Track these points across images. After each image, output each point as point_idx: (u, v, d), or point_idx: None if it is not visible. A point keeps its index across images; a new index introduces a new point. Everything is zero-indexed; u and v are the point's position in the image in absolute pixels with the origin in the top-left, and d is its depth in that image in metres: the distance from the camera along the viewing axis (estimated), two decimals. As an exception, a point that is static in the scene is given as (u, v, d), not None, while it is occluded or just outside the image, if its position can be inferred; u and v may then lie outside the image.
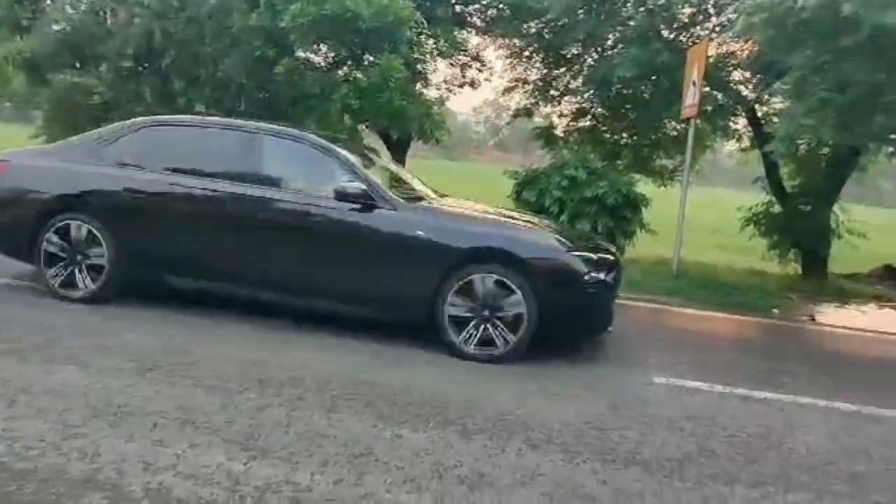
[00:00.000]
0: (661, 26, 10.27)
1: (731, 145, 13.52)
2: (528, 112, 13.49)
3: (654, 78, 10.79)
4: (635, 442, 3.66)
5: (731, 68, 10.42)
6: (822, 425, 4.25)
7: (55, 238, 5.26)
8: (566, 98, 13.12)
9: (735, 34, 8.08)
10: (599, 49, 11.46)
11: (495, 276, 4.80)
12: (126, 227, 5.23)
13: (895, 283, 10.82)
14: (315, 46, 10.66)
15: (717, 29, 10.21)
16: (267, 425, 3.35)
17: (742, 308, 8.12)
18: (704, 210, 18.85)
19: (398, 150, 12.62)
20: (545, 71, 12.75)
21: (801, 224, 10.48)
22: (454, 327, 4.85)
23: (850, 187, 11.59)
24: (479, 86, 13.24)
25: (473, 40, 13.00)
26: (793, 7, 6.21)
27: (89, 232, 5.24)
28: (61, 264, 5.27)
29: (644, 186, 11.83)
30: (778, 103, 10.29)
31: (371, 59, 10.20)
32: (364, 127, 10.86)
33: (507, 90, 13.43)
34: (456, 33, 11.86)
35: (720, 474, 3.35)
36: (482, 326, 4.83)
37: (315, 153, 5.30)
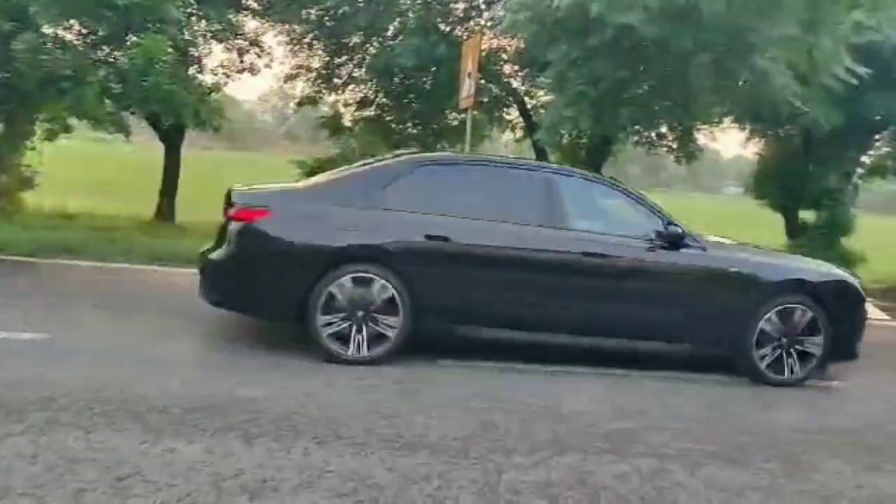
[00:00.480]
0: (438, 19, 10.62)
1: (507, 135, 14.43)
2: (312, 100, 13.26)
3: (434, 69, 11.15)
4: (423, 426, 3.73)
5: (502, 62, 11.09)
6: (593, 391, 4.69)
7: (337, 294, 4.60)
8: (350, 87, 13.11)
9: (502, 30, 8.58)
10: (381, 39, 11.57)
11: (800, 304, 5.21)
12: (423, 278, 4.71)
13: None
14: (66, 22, 9.46)
15: (489, 24, 10.79)
16: (7, 457, 2.89)
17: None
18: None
19: (172, 139, 11.70)
20: (328, 59, 12.60)
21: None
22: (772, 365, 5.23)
23: (609, 173, 12.94)
24: (259, 72, 12.72)
25: (251, 24, 12.44)
26: (550, 6, 6.73)
27: (381, 286, 4.64)
28: (342, 323, 4.61)
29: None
30: (543, 95, 11.17)
31: (134, 38, 9.29)
32: (129, 113, 9.89)
33: (290, 77, 13.08)
34: (231, 16, 11.25)
35: (501, 447, 3.54)
36: (784, 352, 5.21)
37: (613, 193, 5.37)
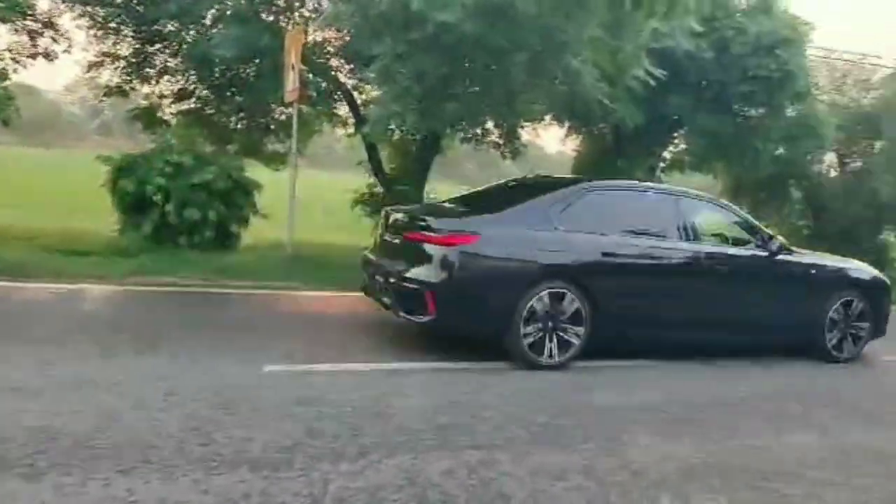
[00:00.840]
0: (259, 7, 10.13)
1: (342, 130, 14.17)
2: (121, 91, 12.13)
3: (257, 60, 10.64)
4: (243, 440, 3.48)
5: (328, 55, 10.84)
6: (420, 386, 4.67)
7: (537, 307, 5.23)
8: (166, 77, 12.15)
9: (325, 21, 8.37)
10: (197, 27, 10.82)
11: (856, 297, 6.73)
12: (601, 290, 5.42)
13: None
14: None
15: (313, 15, 10.48)
16: None
17: (354, 286, 8.56)
18: (323, 192, 19.60)
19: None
20: (138, 46, 11.57)
21: (399, 202, 11.53)
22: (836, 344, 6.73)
23: (443, 169, 13.16)
24: (56, 58, 11.39)
25: (43, 4, 11.11)
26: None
27: (570, 299, 5.30)
28: (538, 333, 5.25)
29: (258, 171, 11.70)
30: (372, 90, 11.08)
31: None
32: None
33: (94, 65, 11.85)
34: (16, -7, 9.95)
35: (327, 454, 3.40)
36: (846, 335, 6.74)
37: (726, 212, 6.64)
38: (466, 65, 8.37)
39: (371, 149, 11.73)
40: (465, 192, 7.07)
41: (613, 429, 4.17)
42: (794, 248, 6.79)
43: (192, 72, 11.54)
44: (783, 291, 6.46)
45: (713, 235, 6.50)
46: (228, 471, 3.12)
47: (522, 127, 12.63)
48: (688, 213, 6.15)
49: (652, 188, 6.50)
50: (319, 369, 4.84)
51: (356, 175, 13.20)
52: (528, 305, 5.19)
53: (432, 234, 5.29)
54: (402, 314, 5.46)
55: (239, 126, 12.70)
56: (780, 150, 12.88)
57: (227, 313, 6.78)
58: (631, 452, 3.82)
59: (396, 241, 5.72)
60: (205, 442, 3.40)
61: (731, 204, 7.03)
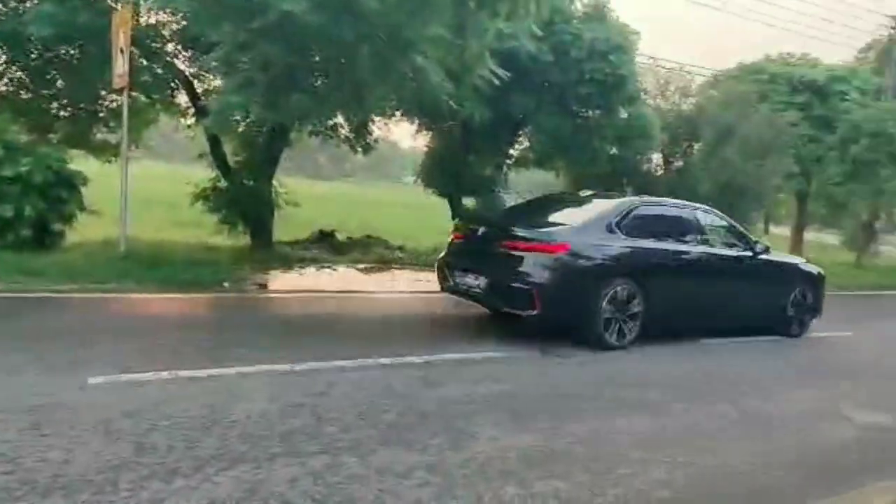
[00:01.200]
0: (79, -18, 9.21)
1: (182, 120, 13.28)
2: (-87, 70, 10.56)
3: (80, 42, 9.70)
4: (59, 463, 3.14)
5: (163, 39, 10.11)
6: (264, 390, 4.47)
7: (610, 301, 6.59)
8: (-33, 56, 10.75)
9: (158, 3, 7.79)
10: (7, 2, 9.66)
11: (807, 287, 8.61)
12: (651, 287, 6.84)
13: (329, 246, 12.47)
14: None
15: (144, -4, 9.71)
16: None
17: (194, 285, 8.09)
18: (162, 185, 18.34)
19: None
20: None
21: (245, 197, 11.05)
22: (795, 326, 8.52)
23: (294, 162, 12.73)
24: None
25: None
26: (209, -19, 6.26)
27: (630, 293, 6.70)
28: (612, 321, 6.62)
29: (87, 163, 10.71)
30: (214, 79, 10.49)
31: None
32: None
33: None
34: None
35: (159, 471, 3.15)
36: (799, 316, 8.58)
37: (727, 224, 8.17)
38: (314, 56, 8.16)
39: (214, 141, 11.11)
40: (515, 205, 9.05)
41: (460, 423, 4.23)
42: (769, 248, 8.32)
43: (3, 51, 10.31)
44: (763, 284, 8.19)
45: (717, 241, 7.93)
46: (38, 500, 2.79)
47: (373, 122, 12.56)
48: (703, 222, 7.84)
49: (677, 204, 8.02)
50: (152, 378, 4.50)
51: (199, 167, 12.48)
52: (606, 299, 6.56)
53: (534, 243, 6.48)
54: (509, 310, 6.64)
55: (62, 113, 11.54)
56: (615, 150, 13.83)
57: (45, 320, 6.12)
58: (477, 445, 3.90)
59: (490, 248, 6.81)
60: (9, 469, 3.03)
61: (724, 214, 8.40)
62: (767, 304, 8.29)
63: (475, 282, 6.85)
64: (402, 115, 12.32)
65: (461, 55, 7.80)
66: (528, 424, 4.35)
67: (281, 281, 9.60)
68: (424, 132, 14.08)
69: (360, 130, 12.77)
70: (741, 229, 8.33)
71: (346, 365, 5.22)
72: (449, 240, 7.76)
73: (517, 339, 6.74)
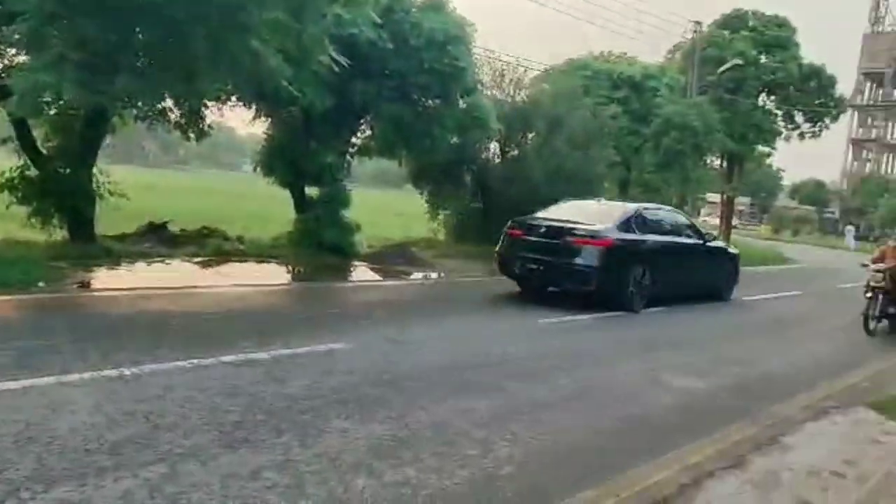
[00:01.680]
0: None
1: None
2: None
3: None
4: None
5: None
6: (87, 399, 4.09)
7: (634, 279, 9.56)
8: None
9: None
10: None
11: (730, 264, 12.17)
12: (656, 266, 9.88)
13: (159, 240, 11.62)
14: None
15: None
16: None
17: (2, 287, 7.21)
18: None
19: None
20: None
21: (61, 187, 10.00)
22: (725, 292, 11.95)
23: (121, 148, 11.67)
24: None
25: None
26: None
27: (644, 273, 9.65)
28: (635, 293, 9.64)
29: None
30: (16, 55, 9.34)
31: None
32: None
33: None
34: None
35: (-38, 501, 2.78)
36: (732, 287, 12.15)
37: (688, 221, 11.92)
38: (139, 34, 7.54)
39: (20, 124, 9.93)
40: (552, 207, 11.04)
41: (309, 418, 4.15)
42: (715, 237, 12.18)
43: None
44: (712, 263, 11.62)
45: (685, 232, 11.19)
46: None
47: (206, 106, 11.86)
48: (678, 220, 11.39)
49: (662, 207, 11.80)
50: (-48, 395, 3.96)
51: (2, 153, 11.09)
52: (632, 277, 9.49)
53: (588, 239, 9.23)
54: (570, 287, 9.57)
55: None
56: (455, 139, 14.16)
57: None
58: (327, 439, 3.85)
59: (551, 242, 9.45)
60: None
61: (685, 213, 12.17)
62: (714, 277, 11.71)
63: (537, 267, 9.54)
64: (238, 100, 11.75)
65: (299, 40, 7.57)
66: (376, 413, 4.36)
67: (107, 278, 8.82)
68: (263, 118, 13.53)
69: (193, 115, 12.01)
70: (697, 225, 12.03)
71: (183, 366, 4.92)
72: (503, 235, 10.35)
73: (362, 329, 6.73)
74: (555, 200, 15.90)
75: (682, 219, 11.67)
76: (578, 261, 9.15)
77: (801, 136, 29.62)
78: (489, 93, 16.14)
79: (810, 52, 33.30)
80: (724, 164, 29.55)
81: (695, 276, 11.12)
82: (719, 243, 12.74)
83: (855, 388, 6.38)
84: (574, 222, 9.53)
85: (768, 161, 48.02)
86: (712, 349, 7.76)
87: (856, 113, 60.81)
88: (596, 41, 75.33)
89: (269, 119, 13.54)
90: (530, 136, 17.01)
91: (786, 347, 8.45)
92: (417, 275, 12.13)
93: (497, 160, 17.22)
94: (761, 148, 30.14)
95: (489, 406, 4.78)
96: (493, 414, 4.62)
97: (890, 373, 7.27)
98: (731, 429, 4.83)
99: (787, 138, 29.58)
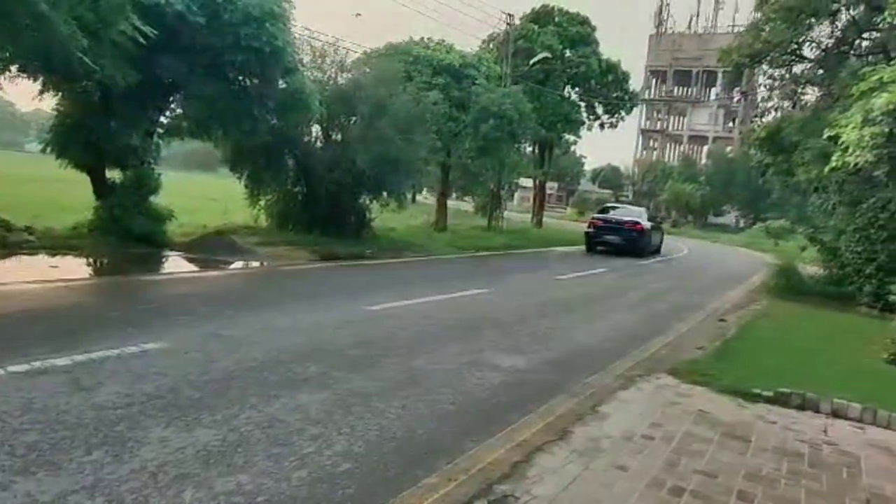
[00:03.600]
0: None
1: None
2: None
3: None
4: None
5: None
6: None
7: (655, 243, 23.42)
8: None
9: None
10: None
11: (661, 235, 25.37)
12: (654, 237, 23.22)
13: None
14: None
15: None
16: None
17: None
18: None
19: None
20: None
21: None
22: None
23: None
24: None
25: None
26: None
27: (654, 240, 23.19)
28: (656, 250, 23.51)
29: None
30: None
31: None
32: None
33: None
34: None
35: None
36: (657, 249, 24.48)
37: (651, 210, 33.29)
38: None
39: None
40: (607, 205, 25.92)
41: (123, 429, 3.75)
42: (661, 219, 29.77)
43: None
44: (658, 232, 23.75)
45: (652, 216, 25.02)
46: None
47: (-22, 77, 10.25)
48: (650, 212, 26.92)
49: (647, 207, 32.14)
50: None
51: None
52: (653, 241, 22.63)
53: (638, 225, 21.09)
54: (630, 251, 20.45)
55: None
56: (275, 121, 13.57)
57: None
58: (145, 452, 3.50)
59: (618, 226, 21.03)
60: None
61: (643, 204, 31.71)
62: (658, 240, 23.25)
63: (614, 240, 20.56)
64: (21, 70, 10.30)
65: (96, 5, 6.76)
66: (200, 418, 4.05)
67: None
68: (52, 93, 11.99)
69: (-39, 86, 10.32)
70: (650, 210, 28.00)
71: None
72: (587, 223, 22.42)
73: (178, 326, 6.25)
74: (380, 185, 16.15)
75: (642, 210, 24.21)
76: (635, 237, 20.70)
77: (602, 125, 32.38)
78: (310, 74, 15.68)
79: (607, 50, 36.37)
80: (536, 150, 31.47)
81: (654, 240, 22.64)
82: (660, 221, 28.45)
83: (656, 356, 7.08)
84: (622, 215, 21.95)
85: (573, 148, 52.01)
86: (532, 326, 8.20)
87: (644, 106, 67.47)
88: (419, 29, 76.51)
89: (60, 93, 12.04)
90: (354, 119, 16.81)
91: (597, 320, 9.18)
92: (238, 264, 11.52)
93: (320, 144, 16.83)
94: (568, 136, 32.48)
95: (321, 400, 4.64)
96: (325, 408, 4.49)
97: (683, 340, 8.16)
98: (554, 402, 5.12)
99: (590, 127, 32.20)
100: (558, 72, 29.04)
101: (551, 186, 53.81)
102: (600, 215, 21.97)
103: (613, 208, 24.12)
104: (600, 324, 9.03)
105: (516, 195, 59.19)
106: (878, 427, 5.20)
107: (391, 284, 9.40)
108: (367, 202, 16.89)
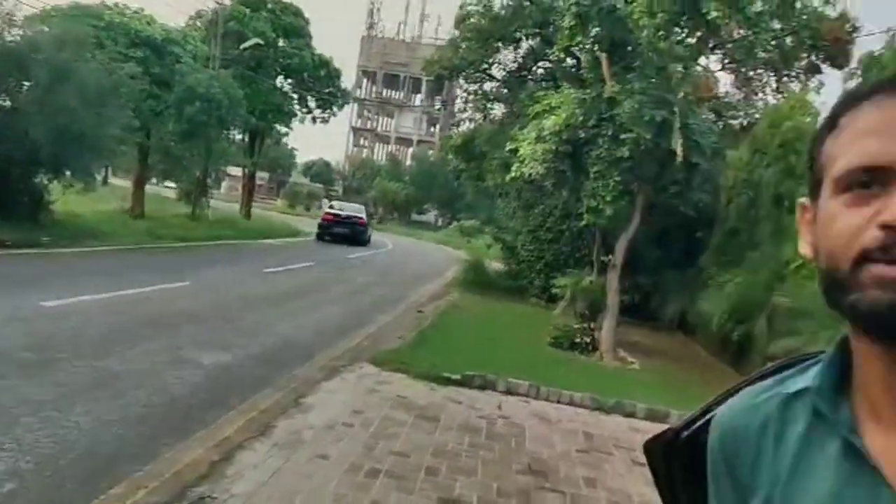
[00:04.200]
0: None
1: None
2: None
3: None
4: None
5: None
6: None
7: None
8: None
9: None
10: None
11: (367, 224, 27.16)
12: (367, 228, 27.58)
13: None
14: None
15: None
16: None
17: None
18: None
19: None
20: None
21: None
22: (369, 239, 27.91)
23: None
24: None
25: None
26: None
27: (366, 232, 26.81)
28: None
29: None
30: None
31: None
32: None
33: None
34: None
35: None
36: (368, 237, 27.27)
37: (366, 207, 30.89)
38: None
39: None
40: (333, 204, 29.45)
41: None
42: (371, 215, 32.00)
43: None
44: (369, 229, 26.83)
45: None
46: None
47: None
48: (363, 208, 28.35)
49: (363, 205, 31.20)
50: None
51: None
52: (368, 233, 27.19)
53: (362, 220, 26.15)
54: (357, 243, 24.89)
55: None
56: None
57: None
58: None
59: (348, 219, 25.55)
60: None
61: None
62: (370, 234, 26.44)
63: (343, 231, 24.57)
64: None
65: None
66: None
67: None
68: None
69: None
70: (371, 209, 29.17)
71: None
72: (322, 217, 26.12)
73: None
74: (61, 163, 14.08)
75: (362, 208, 27.50)
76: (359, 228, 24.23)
77: (314, 119, 32.55)
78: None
79: (321, 46, 36.65)
80: (246, 139, 30.44)
81: (369, 232, 26.04)
82: (359, 211, 26.60)
83: (359, 347, 7.39)
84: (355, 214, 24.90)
85: (285, 140, 51.48)
86: (237, 321, 7.96)
87: (355, 105, 69.58)
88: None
89: None
90: (27, 84, 14.45)
91: (304, 314, 9.24)
92: None
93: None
94: (280, 127, 32.04)
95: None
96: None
97: (384, 330, 8.64)
98: (258, 397, 5.06)
99: (302, 120, 32.14)
100: (271, 60, 28.45)
101: (262, 177, 52.57)
102: (332, 211, 26.10)
103: (340, 206, 27.71)
104: (307, 317, 9.12)
105: (224, 184, 56.66)
106: (541, 400, 6.12)
107: (75, 276, 8.32)
108: (46, 182, 14.67)
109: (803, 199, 0.70)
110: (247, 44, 25.63)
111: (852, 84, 9.29)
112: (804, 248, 0.69)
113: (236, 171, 37.62)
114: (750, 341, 8.17)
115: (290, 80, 30.81)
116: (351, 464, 3.94)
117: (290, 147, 65.34)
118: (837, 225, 0.62)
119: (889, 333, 0.60)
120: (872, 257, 0.59)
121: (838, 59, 12.46)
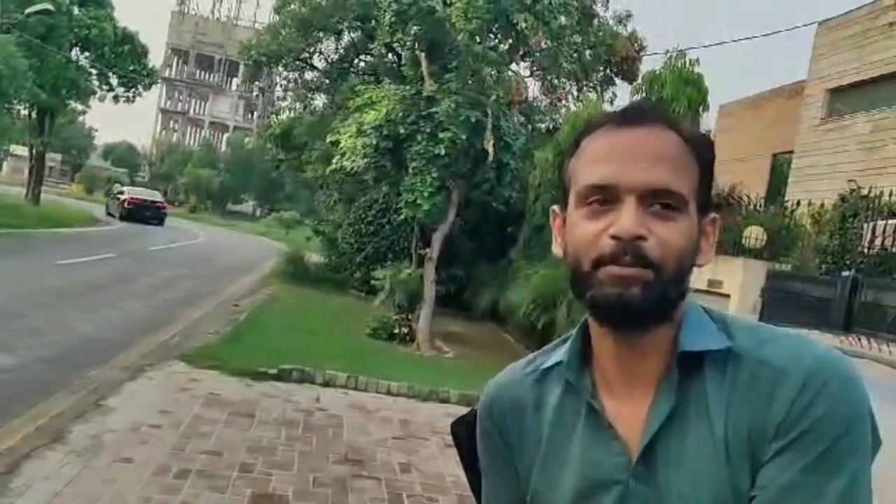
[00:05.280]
0: None
1: None
2: None
3: None
4: None
5: None
6: None
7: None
8: None
9: None
10: None
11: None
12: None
13: None
14: None
15: None
16: None
17: None
18: None
19: None
20: None
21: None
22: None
23: None
24: None
25: None
26: None
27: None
28: None
29: None
30: None
31: None
32: None
33: None
34: None
35: None
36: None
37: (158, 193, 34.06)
38: None
39: None
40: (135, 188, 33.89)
41: None
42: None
43: None
44: (163, 209, 31.16)
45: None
46: None
47: None
48: (159, 193, 34.82)
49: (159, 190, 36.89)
50: None
51: None
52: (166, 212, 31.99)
53: (164, 205, 32.48)
54: (158, 223, 29.48)
55: None
56: None
57: None
58: None
59: (151, 203, 30.41)
60: None
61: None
62: (163, 211, 30.40)
63: (147, 214, 29.24)
64: None
65: None
66: None
67: None
68: None
69: None
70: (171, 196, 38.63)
71: None
72: (127, 202, 30.21)
73: None
74: None
75: (158, 193, 32.43)
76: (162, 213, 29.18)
77: (116, 98, 29.81)
78: None
79: (126, 19, 33.63)
80: (34, 115, 27.16)
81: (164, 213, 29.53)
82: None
83: (167, 344, 6.98)
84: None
85: (81, 119, 46.71)
86: (25, 320, 7.17)
87: (165, 85, 64.77)
88: None
89: None
90: None
91: (105, 310, 8.52)
92: None
93: None
94: (75, 104, 29.00)
95: None
96: None
97: (195, 326, 8.23)
98: (49, 402, 4.63)
99: (102, 98, 29.31)
100: (64, 29, 25.57)
101: (53, 159, 47.23)
102: (137, 197, 29.85)
103: (140, 191, 31.83)
104: (108, 313, 8.42)
105: (6, 165, 50.02)
106: (359, 391, 6.22)
107: None
108: None
109: (555, 207, 0.86)
110: (34, 8, 22.83)
111: (639, 97, 10.44)
112: (556, 249, 0.84)
113: (22, 150, 33.57)
114: (552, 328, 8.90)
115: (87, 54, 27.95)
116: (158, 465, 3.76)
117: (88, 127, 59.41)
118: (579, 232, 0.77)
119: (616, 319, 0.76)
120: (606, 261, 0.74)
121: (628, 74, 13.95)
